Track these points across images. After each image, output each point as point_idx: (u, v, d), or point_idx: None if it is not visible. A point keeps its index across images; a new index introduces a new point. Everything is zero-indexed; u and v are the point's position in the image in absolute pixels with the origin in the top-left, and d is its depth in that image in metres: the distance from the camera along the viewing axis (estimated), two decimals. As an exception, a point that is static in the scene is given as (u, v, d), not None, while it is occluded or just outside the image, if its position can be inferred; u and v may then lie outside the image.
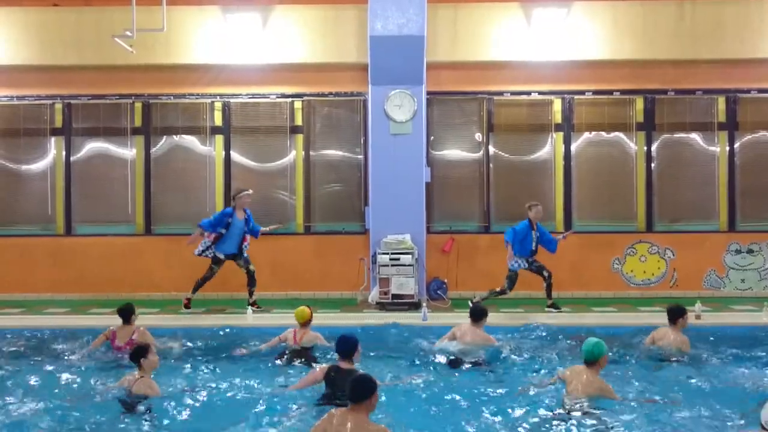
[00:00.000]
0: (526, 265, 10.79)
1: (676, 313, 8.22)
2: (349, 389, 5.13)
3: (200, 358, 8.39)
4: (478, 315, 8.40)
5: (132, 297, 11.82)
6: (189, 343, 8.89)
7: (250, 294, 11.08)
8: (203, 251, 10.94)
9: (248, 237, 11.09)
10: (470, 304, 9.24)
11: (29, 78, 12.55)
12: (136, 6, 10.70)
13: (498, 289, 10.82)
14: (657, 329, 8.43)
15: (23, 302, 11.88)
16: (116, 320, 8.59)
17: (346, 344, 6.66)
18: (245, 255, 11.07)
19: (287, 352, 8.20)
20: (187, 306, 11.02)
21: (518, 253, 10.73)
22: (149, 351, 6.76)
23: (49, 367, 7.97)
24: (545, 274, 10.80)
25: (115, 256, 12.46)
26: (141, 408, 6.36)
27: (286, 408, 6.39)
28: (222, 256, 10.97)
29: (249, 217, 11.10)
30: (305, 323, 8.35)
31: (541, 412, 6.27)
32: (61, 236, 12.66)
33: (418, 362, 8.10)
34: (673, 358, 7.98)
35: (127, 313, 8.50)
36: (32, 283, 12.37)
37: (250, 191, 11.33)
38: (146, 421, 6.18)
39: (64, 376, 7.59)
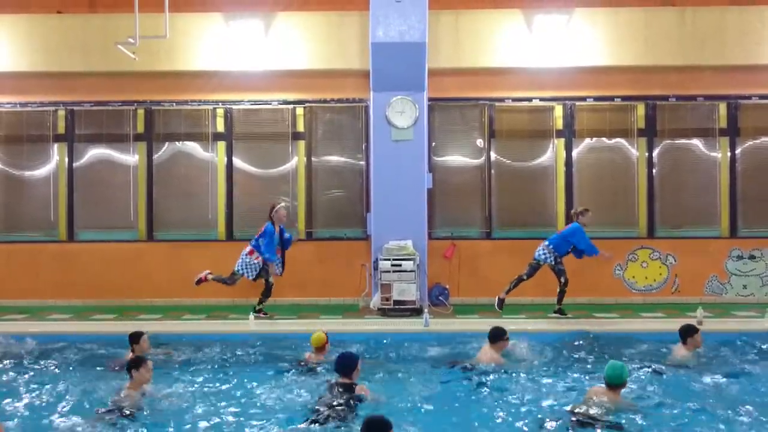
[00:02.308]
0: (553, 262, 10.79)
1: (686, 332, 8.31)
2: None
3: (202, 364, 8.38)
4: (497, 336, 8.20)
5: (134, 303, 11.96)
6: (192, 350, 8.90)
7: (260, 302, 11.04)
8: (258, 273, 11.03)
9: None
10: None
11: (32, 84, 12.60)
12: (139, 13, 10.76)
13: (518, 276, 10.84)
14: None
15: (27, 308, 11.89)
16: (116, 326, 8.57)
17: (345, 363, 6.80)
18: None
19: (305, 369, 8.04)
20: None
21: (555, 249, 10.76)
22: (143, 365, 6.77)
23: (54, 374, 8.00)
24: (562, 280, 10.82)
25: (117, 261, 12.49)
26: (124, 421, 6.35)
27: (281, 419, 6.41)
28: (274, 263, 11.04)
29: (282, 229, 11.20)
30: (320, 348, 8.12)
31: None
32: (64, 242, 12.69)
33: (422, 370, 8.09)
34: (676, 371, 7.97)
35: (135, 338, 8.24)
36: (36, 288, 12.40)
37: (285, 204, 11.48)
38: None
39: (69, 384, 7.61)
